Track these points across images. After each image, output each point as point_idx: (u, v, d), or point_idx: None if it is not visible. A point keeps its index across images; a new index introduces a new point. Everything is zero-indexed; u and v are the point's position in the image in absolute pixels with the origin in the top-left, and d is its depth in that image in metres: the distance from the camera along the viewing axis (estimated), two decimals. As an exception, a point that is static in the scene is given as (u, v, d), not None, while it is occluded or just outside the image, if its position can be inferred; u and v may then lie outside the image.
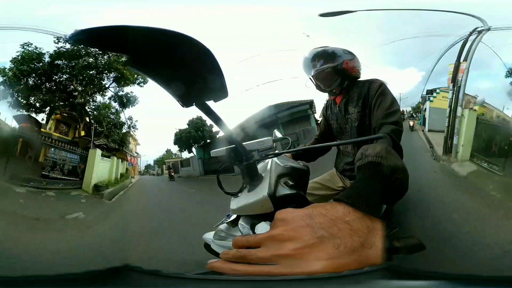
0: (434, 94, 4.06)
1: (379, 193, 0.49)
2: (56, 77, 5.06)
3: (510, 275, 0.43)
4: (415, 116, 5.17)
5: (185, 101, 0.47)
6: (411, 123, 4.83)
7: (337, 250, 0.41)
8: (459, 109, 2.47)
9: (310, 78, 1.52)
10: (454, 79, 2.67)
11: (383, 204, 0.48)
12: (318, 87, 1.53)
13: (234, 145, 0.67)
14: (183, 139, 7.74)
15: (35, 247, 2.78)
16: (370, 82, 1.39)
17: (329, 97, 1.64)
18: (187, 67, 0.42)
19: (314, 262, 0.41)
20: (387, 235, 0.44)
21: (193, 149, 8.10)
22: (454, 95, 2.71)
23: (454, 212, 1.96)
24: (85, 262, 2.36)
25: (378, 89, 1.33)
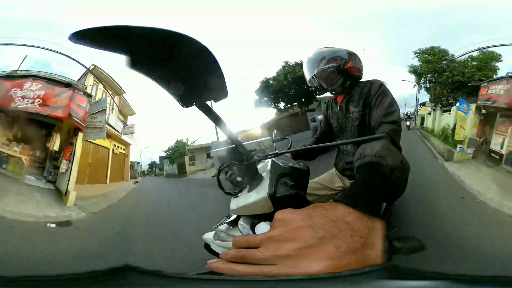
0: (421, 107, 6.58)
1: (379, 193, 0.49)
2: None
3: (510, 275, 0.42)
4: (411, 117, 6.56)
5: (185, 101, 0.47)
6: (408, 123, 6.27)
7: (337, 251, 0.40)
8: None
9: (312, 77, 1.53)
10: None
11: (383, 203, 0.48)
12: (321, 86, 1.54)
13: (234, 145, 0.67)
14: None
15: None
16: (371, 82, 1.41)
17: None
18: (187, 67, 0.42)
19: (314, 262, 0.41)
20: (387, 235, 0.44)
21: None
22: (416, 109, 6.26)
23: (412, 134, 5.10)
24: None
25: (378, 89, 1.34)
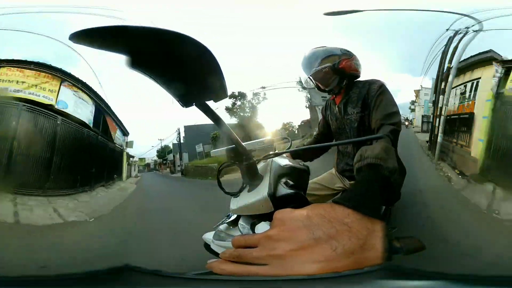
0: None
1: (378, 195, 0.49)
2: None
3: (510, 275, 0.42)
4: (410, 119, 6.97)
5: (185, 101, 0.47)
6: (406, 123, 6.66)
7: (334, 252, 0.40)
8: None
9: (309, 78, 1.52)
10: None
11: (383, 205, 0.48)
12: (318, 87, 1.53)
13: (234, 145, 0.67)
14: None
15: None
16: (370, 83, 1.39)
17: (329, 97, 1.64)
18: (187, 67, 0.42)
19: (308, 263, 0.40)
20: (386, 235, 0.44)
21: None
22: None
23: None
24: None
25: (378, 89, 1.33)
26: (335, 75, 1.44)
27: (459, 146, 2.74)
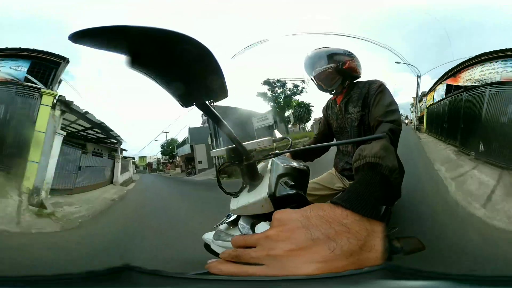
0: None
1: (378, 194, 0.48)
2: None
3: (510, 275, 0.42)
4: (409, 118, 8.02)
5: (185, 101, 0.47)
6: (406, 121, 7.68)
7: (332, 253, 0.40)
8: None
9: (311, 78, 1.53)
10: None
11: (383, 205, 0.47)
12: (320, 87, 1.54)
13: (234, 145, 0.67)
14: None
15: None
16: (370, 83, 1.41)
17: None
18: (187, 67, 0.42)
19: (306, 264, 0.40)
20: (386, 235, 0.44)
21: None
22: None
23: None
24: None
25: (377, 89, 1.34)
26: (338, 75, 1.46)
27: (422, 125, 6.56)
